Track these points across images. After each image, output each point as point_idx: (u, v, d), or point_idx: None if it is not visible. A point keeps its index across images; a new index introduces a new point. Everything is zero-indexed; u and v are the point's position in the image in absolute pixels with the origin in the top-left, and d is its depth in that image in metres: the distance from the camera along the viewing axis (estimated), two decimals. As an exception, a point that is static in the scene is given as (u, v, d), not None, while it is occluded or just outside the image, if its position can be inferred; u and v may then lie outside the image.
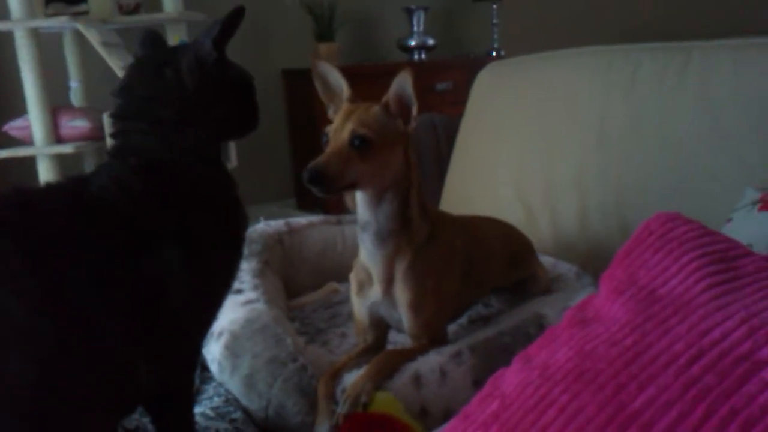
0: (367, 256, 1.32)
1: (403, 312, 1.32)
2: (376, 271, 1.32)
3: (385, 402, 1.18)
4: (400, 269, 1.30)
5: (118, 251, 0.97)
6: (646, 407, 0.64)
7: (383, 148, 1.23)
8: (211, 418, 1.23)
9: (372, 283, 1.34)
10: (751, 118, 1.54)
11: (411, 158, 1.30)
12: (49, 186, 1.02)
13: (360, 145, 1.20)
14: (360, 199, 1.29)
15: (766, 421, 0.60)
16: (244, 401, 1.29)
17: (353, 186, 1.22)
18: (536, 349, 0.81)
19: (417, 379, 1.22)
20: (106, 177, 1.02)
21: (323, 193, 1.19)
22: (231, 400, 1.30)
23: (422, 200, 1.34)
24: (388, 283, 1.32)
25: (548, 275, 1.63)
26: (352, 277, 1.39)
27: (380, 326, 1.39)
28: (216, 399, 1.30)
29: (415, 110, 1.26)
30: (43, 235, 0.92)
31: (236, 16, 1.08)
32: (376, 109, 1.25)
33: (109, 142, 1.10)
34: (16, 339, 0.86)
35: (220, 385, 1.36)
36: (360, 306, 1.37)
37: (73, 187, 1.02)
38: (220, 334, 1.38)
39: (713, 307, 0.72)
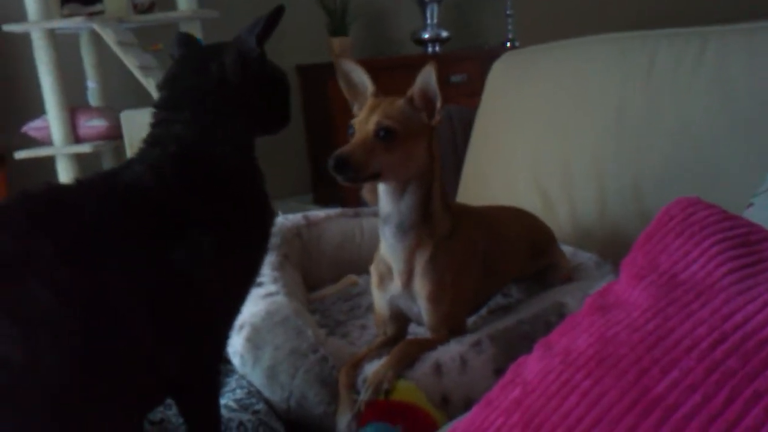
0: (388, 248, 1.33)
1: (422, 305, 1.32)
2: (396, 264, 1.33)
3: (407, 390, 1.19)
4: (421, 262, 1.31)
5: (150, 240, 0.99)
6: (669, 391, 0.64)
7: (408, 139, 1.25)
8: (235, 410, 1.24)
9: (392, 276, 1.34)
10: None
11: (435, 152, 1.31)
12: (80, 181, 1.04)
13: (385, 136, 1.22)
14: (382, 192, 1.29)
15: (791, 404, 0.59)
16: (266, 393, 1.31)
17: (377, 176, 1.24)
18: (557, 335, 0.81)
19: (438, 368, 1.23)
20: (140, 165, 1.05)
21: (348, 181, 1.21)
22: (254, 392, 1.31)
23: (444, 194, 1.35)
24: (408, 276, 1.32)
25: (569, 264, 1.62)
26: (373, 269, 1.39)
27: (400, 319, 1.39)
28: (239, 391, 1.31)
29: (439, 104, 1.27)
30: (74, 226, 0.95)
31: (278, 13, 1.12)
32: (401, 102, 1.27)
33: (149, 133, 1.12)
34: (48, 330, 0.87)
35: (243, 377, 1.37)
36: (380, 299, 1.38)
37: (104, 179, 1.05)
38: (242, 327, 1.39)
39: (735, 290, 0.72)
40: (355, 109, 1.33)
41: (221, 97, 1.10)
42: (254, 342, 1.36)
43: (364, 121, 1.25)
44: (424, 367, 1.23)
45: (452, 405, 1.20)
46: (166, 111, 1.11)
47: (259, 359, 1.33)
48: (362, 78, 1.33)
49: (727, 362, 0.64)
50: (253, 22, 1.12)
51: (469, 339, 1.29)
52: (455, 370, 1.23)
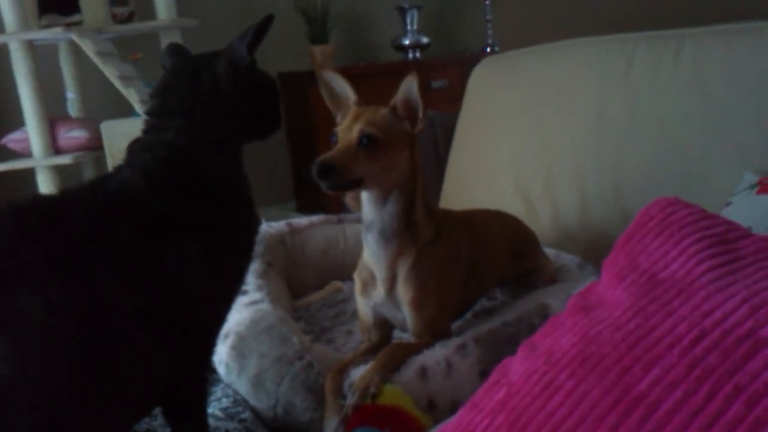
0: (371, 255, 1.33)
1: (406, 311, 1.33)
2: (379, 271, 1.33)
3: (393, 394, 1.19)
4: (403, 269, 1.31)
5: (139, 246, 0.99)
6: (651, 388, 0.64)
7: (390, 148, 1.26)
8: (221, 419, 1.23)
9: (375, 283, 1.35)
10: (746, 103, 1.55)
11: (417, 160, 1.33)
12: (67, 190, 1.04)
13: (368, 144, 1.23)
14: (365, 199, 1.30)
15: (771, 398, 0.60)
16: (252, 401, 1.30)
17: (360, 183, 1.24)
18: (541, 336, 0.81)
19: (423, 372, 1.23)
20: (130, 170, 1.06)
21: (331, 188, 1.22)
22: (240, 401, 1.31)
23: (427, 201, 1.36)
24: (391, 283, 1.33)
25: (553, 266, 1.63)
26: (356, 276, 1.40)
27: (384, 326, 1.40)
28: (225, 400, 1.31)
29: (421, 113, 1.29)
30: (65, 237, 0.94)
31: (267, 22, 1.14)
32: (384, 111, 1.29)
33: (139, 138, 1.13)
34: (41, 340, 0.87)
35: (228, 386, 1.37)
36: (364, 306, 1.38)
37: (91, 188, 1.05)
38: (226, 335, 1.39)
39: (714, 288, 0.73)
40: (338, 118, 1.35)
41: (213, 105, 1.11)
42: (239, 350, 1.35)
43: (348, 129, 1.26)
44: (410, 371, 1.23)
45: (438, 409, 1.20)
46: (157, 118, 1.12)
47: (245, 368, 1.33)
48: (344, 88, 1.34)
49: (707, 358, 0.65)
50: (243, 31, 1.13)
51: (454, 342, 1.29)
52: (441, 374, 1.23)
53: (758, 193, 1.34)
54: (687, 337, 0.68)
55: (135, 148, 1.11)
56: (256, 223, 1.18)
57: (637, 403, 0.64)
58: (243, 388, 1.32)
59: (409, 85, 1.28)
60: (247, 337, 1.36)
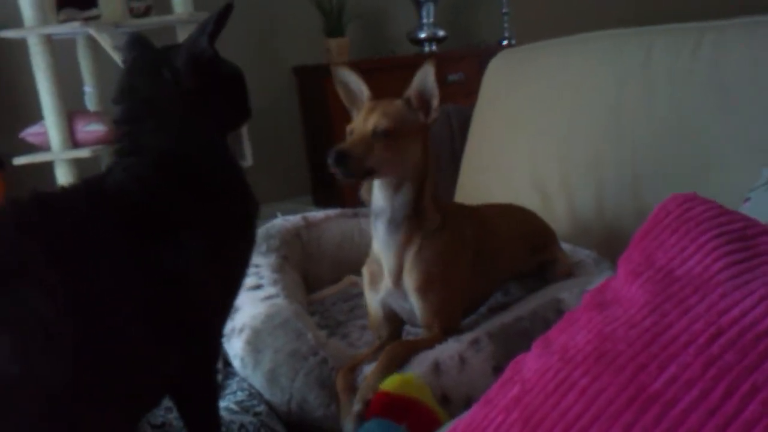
0: (380, 245, 1.35)
1: (412, 299, 1.33)
2: (387, 261, 1.35)
3: (415, 385, 1.19)
4: (409, 257, 1.33)
5: (139, 243, 0.99)
6: (666, 387, 0.64)
7: (403, 138, 1.29)
8: (236, 412, 1.24)
9: (383, 275, 1.36)
10: (766, 98, 1.53)
11: (429, 151, 1.35)
12: (65, 188, 1.04)
13: (381, 134, 1.27)
14: (377, 187, 1.32)
15: (789, 397, 0.60)
16: (266, 395, 1.31)
17: (373, 172, 1.27)
18: (555, 333, 0.81)
19: (437, 367, 1.23)
20: (121, 173, 1.05)
21: (345, 177, 1.25)
22: (255, 394, 1.31)
23: (434, 191, 1.37)
24: (399, 273, 1.34)
25: (570, 260, 1.63)
26: (365, 270, 1.41)
27: (394, 321, 1.40)
28: (240, 393, 1.31)
29: (435, 102, 1.31)
30: (65, 234, 0.94)
31: (226, 11, 1.10)
32: (398, 102, 1.32)
33: (116, 146, 1.11)
34: (44, 338, 0.87)
35: (243, 380, 1.37)
36: (372, 300, 1.39)
37: (89, 186, 1.05)
38: (242, 329, 1.39)
39: (732, 285, 0.72)
40: (353, 114, 1.37)
41: (180, 103, 1.09)
42: (254, 345, 1.36)
43: (362, 121, 1.29)
44: (423, 366, 1.23)
45: (452, 404, 1.20)
46: (128, 125, 1.10)
47: (260, 362, 1.33)
48: (358, 84, 1.37)
49: (724, 357, 0.64)
50: (202, 22, 1.10)
51: (467, 337, 1.29)
52: (454, 369, 1.24)
53: (777, 188, 1.33)
54: (703, 335, 0.67)
55: (118, 152, 1.09)
56: (255, 208, 1.16)
57: (652, 401, 0.64)
58: (258, 382, 1.33)
59: (425, 74, 1.31)
60: (262, 332, 1.37)
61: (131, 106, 1.10)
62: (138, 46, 1.15)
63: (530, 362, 0.78)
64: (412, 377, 1.21)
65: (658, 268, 0.80)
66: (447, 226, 1.37)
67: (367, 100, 1.35)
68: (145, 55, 1.14)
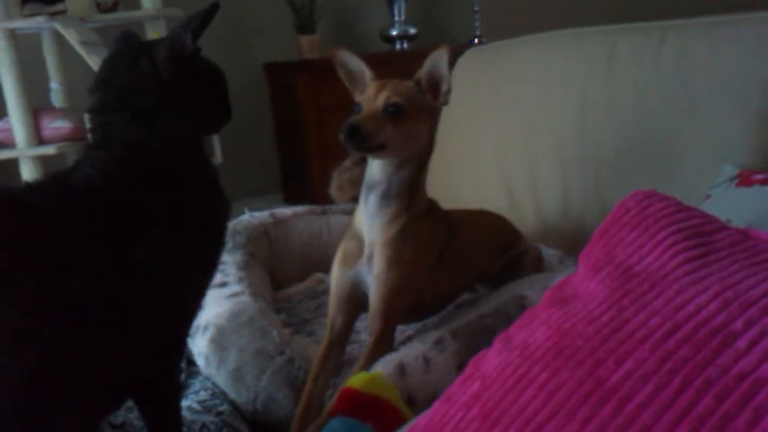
0: (367, 217, 1.34)
1: (376, 272, 1.32)
2: (369, 234, 1.34)
3: (382, 384, 1.19)
4: (390, 233, 1.33)
5: (105, 240, 0.98)
6: (623, 381, 0.65)
7: (414, 118, 1.30)
8: (198, 412, 1.23)
9: (361, 252, 1.35)
10: (728, 96, 1.55)
11: (434, 135, 1.37)
12: (30, 184, 1.02)
13: (393, 111, 1.28)
14: (377, 161, 1.33)
15: (741, 391, 0.61)
16: (231, 394, 1.30)
17: (384, 148, 1.27)
18: (516, 329, 0.81)
19: (401, 369, 1.23)
20: (89, 168, 1.03)
21: (356, 150, 1.28)
22: (218, 394, 1.30)
23: (426, 178, 1.39)
24: (373, 248, 1.34)
25: (539, 249, 1.64)
26: (340, 247, 1.40)
27: (355, 303, 1.38)
28: (203, 393, 1.30)
29: (446, 86, 1.34)
30: (30, 231, 0.93)
31: (213, 9, 1.09)
32: (409, 83, 1.33)
33: (89, 136, 1.09)
34: (7, 338, 0.86)
35: (207, 378, 1.36)
36: (342, 277, 1.38)
37: (55, 181, 1.03)
38: (206, 327, 1.38)
39: (688, 281, 0.73)
40: (356, 95, 1.37)
41: (156, 95, 1.07)
42: (219, 343, 1.35)
43: (372, 98, 1.30)
44: (388, 368, 1.23)
45: (418, 404, 1.20)
46: (102, 115, 1.08)
47: (224, 360, 1.32)
48: (359, 65, 1.38)
49: (679, 352, 0.65)
50: (187, 18, 1.09)
51: (431, 337, 1.29)
52: (419, 370, 1.23)
53: (738, 185, 1.35)
54: (659, 330, 0.68)
55: (90, 145, 1.08)
56: (226, 208, 1.15)
57: (609, 396, 0.64)
58: (222, 381, 1.32)
59: (437, 58, 1.33)
60: (226, 330, 1.36)
61: (106, 96, 1.08)
62: (123, 39, 1.13)
63: (491, 359, 0.78)
64: (378, 375, 1.20)
65: (617, 264, 0.81)
66: (429, 215, 1.39)
67: (372, 79, 1.35)
68: (127, 46, 1.12)
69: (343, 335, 1.38)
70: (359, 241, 1.36)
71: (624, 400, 0.63)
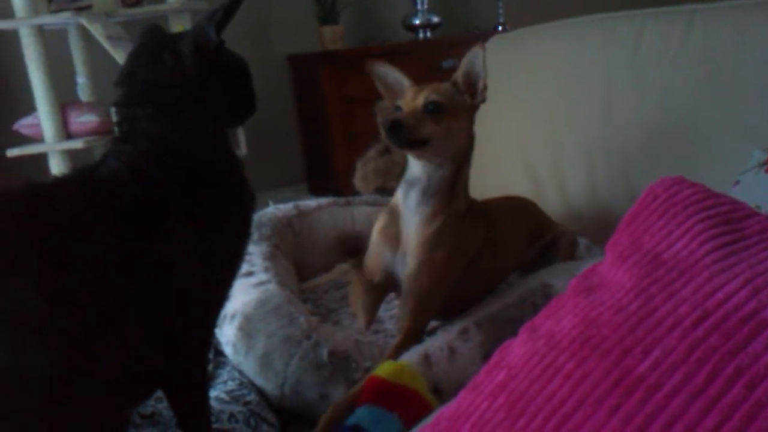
0: (406, 212, 1.36)
1: (410, 269, 1.34)
2: (406, 228, 1.36)
3: (409, 373, 1.19)
4: (426, 233, 1.33)
5: (131, 233, 0.98)
6: (651, 370, 0.64)
7: (453, 116, 1.33)
8: (226, 402, 1.24)
9: (399, 242, 1.37)
10: (756, 80, 1.52)
11: (473, 134, 1.39)
12: (57, 178, 1.03)
13: (433, 109, 1.30)
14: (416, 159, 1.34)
15: (772, 379, 0.60)
16: (259, 381, 1.31)
17: (425, 143, 1.29)
18: (542, 318, 0.81)
19: (426, 358, 1.23)
20: (115, 161, 1.03)
21: (399, 145, 1.30)
22: (245, 384, 1.31)
23: (468, 178, 1.40)
24: (414, 243, 1.35)
25: (573, 232, 1.64)
26: (381, 220, 1.42)
27: (386, 280, 1.41)
28: (230, 383, 1.31)
29: (482, 84, 1.36)
30: (56, 225, 0.94)
31: (237, 3, 1.09)
32: (446, 83, 1.37)
33: (116, 130, 1.10)
34: (34, 331, 0.87)
35: (234, 369, 1.37)
36: (380, 252, 1.40)
37: (81, 176, 1.04)
38: (233, 316, 1.39)
39: (717, 268, 0.72)
40: (397, 102, 1.38)
41: (181, 89, 1.07)
42: (246, 331, 1.36)
43: (412, 99, 1.33)
44: (413, 358, 1.23)
45: (444, 394, 1.20)
46: (127, 108, 1.08)
47: (252, 347, 1.34)
48: (397, 76, 1.42)
49: (708, 340, 0.64)
50: (211, 10, 1.09)
51: (456, 327, 1.29)
52: (444, 360, 1.24)
53: (767, 171, 1.33)
54: (688, 319, 0.67)
55: (116, 138, 1.08)
56: (251, 201, 1.15)
57: (636, 385, 0.64)
58: (250, 368, 1.33)
59: (473, 57, 1.36)
60: (254, 318, 1.37)
61: (131, 89, 1.09)
62: (149, 33, 1.14)
63: (516, 348, 0.78)
64: (405, 365, 1.21)
65: (644, 252, 0.80)
66: (468, 216, 1.39)
67: (410, 86, 1.38)
68: (152, 40, 1.12)
69: (376, 302, 1.42)
70: (398, 228, 1.37)
71: (652, 389, 0.63)
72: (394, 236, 1.38)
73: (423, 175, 1.34)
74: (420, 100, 1.31)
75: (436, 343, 1.26)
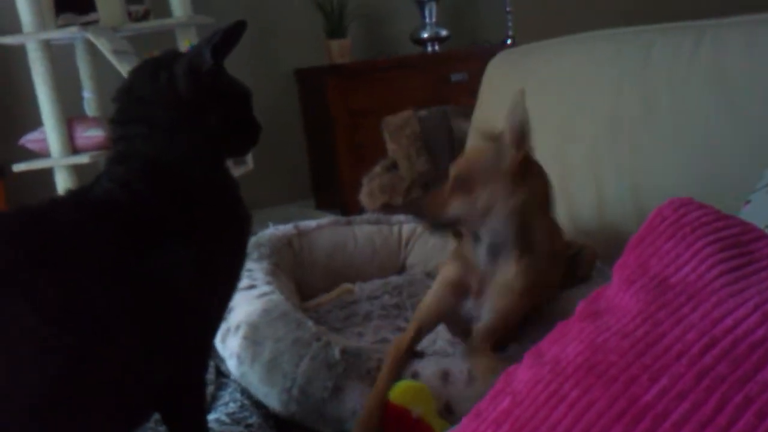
0: (478, 263, 1.31)
1: (489, 315, 1.30)
2: (477, 277, 1.31)
3: (418, 396, 1.19)
4: (501, 281, 1.29)
5: (126, 252, 0.98)
6: (658, 399, 0.62)
7: (485, 183, 1.26)
8: (226, 424, 1.24)
9: (468, 283, 1.33)
10: (766, 97, 1.51)
11: (533, 187, 1.30)
12: (52, 199, 1.03)
13: (461, 185, 1.27)
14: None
15: (783, 408, 0.58)
16: (264, 389, 1.31)
17: (455, 224, 1.29)
18: (547, 344, 0.79)
19: (446, 376, 1.24)
20: (108, 182, 1.03)
21: (428, 228, 1.33)
22: (247, 406, 1.31)
23: (551, 227, 1.36)
24: (485, 286, 1.31)
25: (593, 248, 1.60)
26: (448, 268, 1.37)
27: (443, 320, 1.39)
28: (232, 405, 1.31)
29: (527, 132, 1.27)
30: (53, 244, 0.93)
31: (237, 27, 1.08)
32: (484, 146, 1.30)
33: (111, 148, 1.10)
34: (31, 348, 0.87)
35: (236, 389, 1.37)
36: (446, 301, 1.35)
37: (76, 196, 1.04)
38: (238, 327, 1.40)
39: (726, 293, 0.70)
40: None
41: (175, 110, 1.06)
42: (252, 339, 1.36)
43: (451, 173, 1.30)
44: (433, 371, 1.24)
45: (455, 415, 1.18)
46: (122, 126, 1.08)
47: (259, 354, 1.34)
48: (465, 132, 1.43)
49: (717, 368, 0.63)
50: (212, 32, 1.08)
51: None
52: (462, 382, 1.23)
53: (778, 190, 1.31)
54: (696, 345, 0.65)
55: (111, 158, 1.08)
56: (246, 221, 1.15)
57: (643, 414, 0.62)
58: (256, 375, 1.33)
59: (514, 106, 1.29)
60: (260, 325, 1.37)
61: (125, 106, 1.09)
62: (162, 53, 1.14)
63: (522, 374, 0.76)
64: (415, 387, 1.20)
65: (652, 276, 0.79)
66: (547, 259, 1.33)
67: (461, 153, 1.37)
68: (155, 58, 1.12)
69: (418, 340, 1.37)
70: (467, 268, 1.33)
71: (659, 418, 0.61)
72: (463, 285, 1.33)
73: (484, 235, 1.29)
74: (451, 175, 1.28)
75: (458, 365, 1.26)
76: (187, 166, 1.06)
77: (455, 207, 1.26)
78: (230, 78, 1.13)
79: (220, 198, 1.11)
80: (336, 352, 1.28)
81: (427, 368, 1.25)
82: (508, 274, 1.28)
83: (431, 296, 1.37)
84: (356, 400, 1.25)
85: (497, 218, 1.26)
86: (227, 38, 1.07)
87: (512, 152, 1.26)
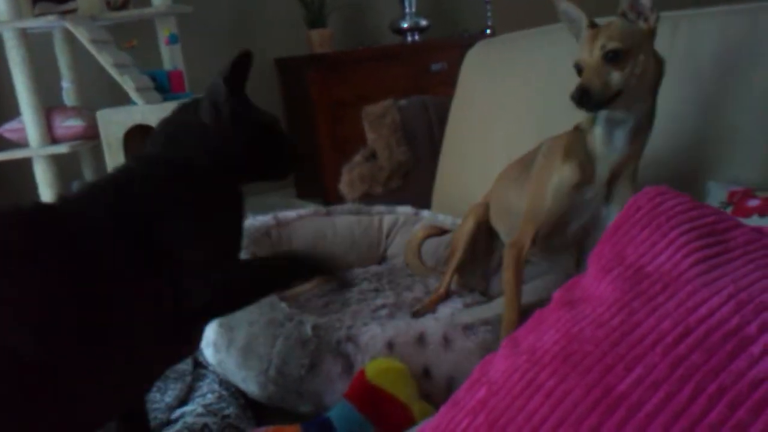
0: (607, 148, 1.34)
1: (616, 200, 1.33)
2: (606, 159, 1.34)
3: (394, 378, 1.19)
4: (632, 164, 1.34)
5: (131, 227, 1.01)
6: (633, 389, 0.63)
7: (634, 54, 1.27)
8: (201, 415, 1.24)
9: (592, 177, 1.34)
10: (740, 88, 1.51)
11: (658, 55, 1.32)
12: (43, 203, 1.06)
13: (613, 57, 1.26)
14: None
15: (755, 399, 0.58)
16: (241, 373, 1.32)
17: (620, 94, 1.26)
18: (524, 332, 0.79)
19: (422, 339, 1.26)
20: (114, 170, 1.10)
21: (593, 110, 1.29)
22: (225, 397, 1.31)
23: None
24: (611, 179, 1.34)
25: None
26: (566, 162, 1.38)
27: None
28: (210, 396, 1.31)
29: (648, 2, 1.29)
30: (60, 220, 0.98)
31: (242, 58, 1.14)
32: (616, 22, 1.31)
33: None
34: (45, 315, 0.89)
35: (215, 380, 1.37)
36: (567, 198, 1.36)
37: (84, 188, 1.08)
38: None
39: (701, 282, 0.71)
40: (576, 60, 1.34)
41: (198, 138, 1.13)
42: (227, 325, 1.37)
43: (588, 52, 1.29)
44: (409, 336, 1.26)
45: (433, 380, 1.21)
46: (154, 145, 1.15)
47: (234, 339, 1.35)
48: (577, 15, 1.38)
49: (691, 357, 0.63)
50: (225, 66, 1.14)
51: (464, 318, 1.32)
52: (439, 346, 1.25)
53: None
54: (671, 335, 0.66)
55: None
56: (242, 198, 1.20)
57: (618, 404, 0.62)
58: (232, 360, 1.34)
59: None
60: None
61: (161, 128, 1.17)
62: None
63: (498, 363, 0.77)
64: (392, 366, 1.21)
65: (628, 265, 0.79)
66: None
67: (585, 27, 1.34)
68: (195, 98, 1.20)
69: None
70: (588, 164, 1.35)
71: (633, 408, 0.61)
72: (583, 182, 1.35)
73: (628, 116, 1.30)
74: (597, 51, 1.27)
75: (437, 329, 1.27)
76: (201, 171, 1.11)
77: (617, 79, 1.25)
78: (255, 107, 1.20)
79: (220, 202, 1.15)
80: (308, 329, 1.30)
81: (400, 334, 1.27)
82: (638, 152, 1.34)
83: (550, 201, 1.38)
84: (332, 371, 1.27)
85: (647, 87, 1.30)
86: (235, 69, 1.13)
87: (641, 23, 1.30)
